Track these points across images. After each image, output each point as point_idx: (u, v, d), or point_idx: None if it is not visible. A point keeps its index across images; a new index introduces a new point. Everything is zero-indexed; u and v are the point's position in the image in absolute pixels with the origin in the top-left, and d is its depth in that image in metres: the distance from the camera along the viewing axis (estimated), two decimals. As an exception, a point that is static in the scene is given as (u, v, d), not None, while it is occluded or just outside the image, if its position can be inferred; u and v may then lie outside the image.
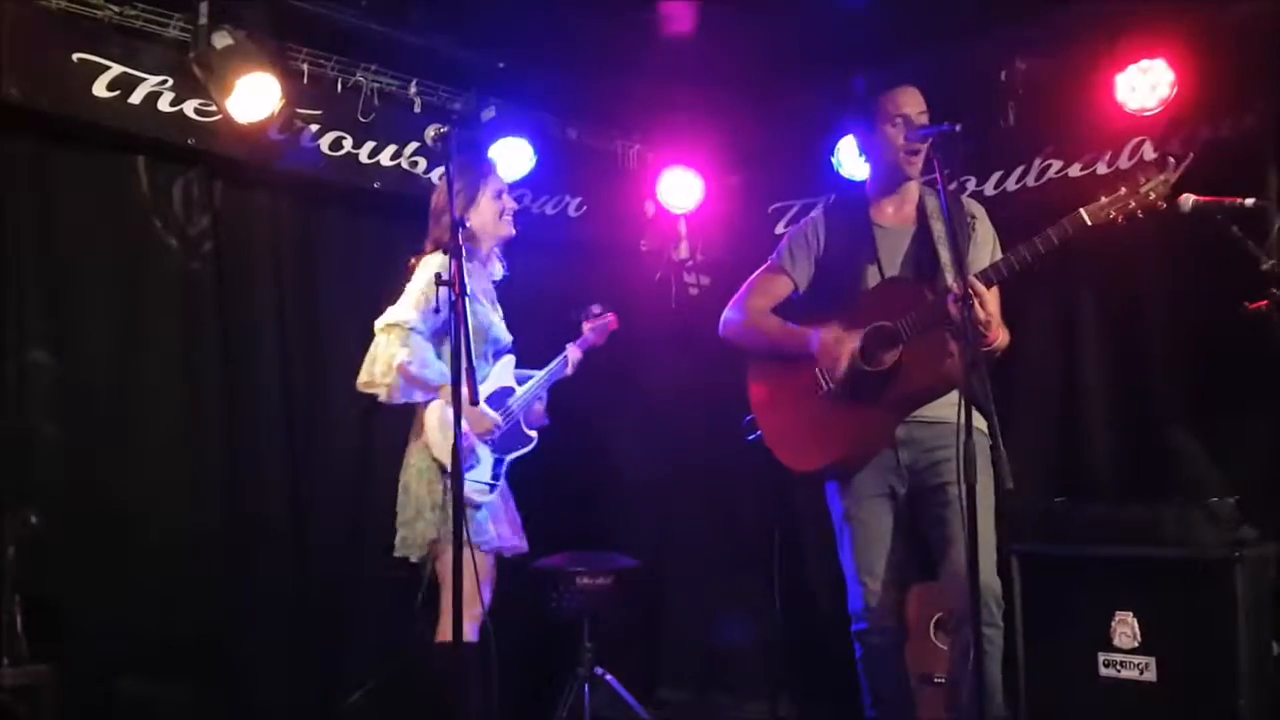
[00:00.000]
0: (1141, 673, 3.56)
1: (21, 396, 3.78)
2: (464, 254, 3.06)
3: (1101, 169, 4.22)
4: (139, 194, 4.11)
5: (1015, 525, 3.54)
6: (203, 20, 3.95)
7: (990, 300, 3.04)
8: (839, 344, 3.20)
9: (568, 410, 5.01)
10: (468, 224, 3.45)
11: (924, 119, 3.22)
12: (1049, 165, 4.36)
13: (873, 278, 3.29)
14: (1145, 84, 4.04)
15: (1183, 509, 3.60)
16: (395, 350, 3.34)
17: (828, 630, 4.00)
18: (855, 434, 3.24)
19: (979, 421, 2.91)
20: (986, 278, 3.03)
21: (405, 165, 4.56)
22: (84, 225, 3.99)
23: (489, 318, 3.57)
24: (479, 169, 3.64)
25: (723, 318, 3.51)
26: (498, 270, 3.72)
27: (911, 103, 3.23)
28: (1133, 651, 3.58)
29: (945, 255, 3.19)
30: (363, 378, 3.42)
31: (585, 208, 5.20)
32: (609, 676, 4.44)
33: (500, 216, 3.62)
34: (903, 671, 3.44)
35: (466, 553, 3.16)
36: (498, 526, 3.54)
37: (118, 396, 4.00)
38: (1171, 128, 4.06)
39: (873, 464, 3.26)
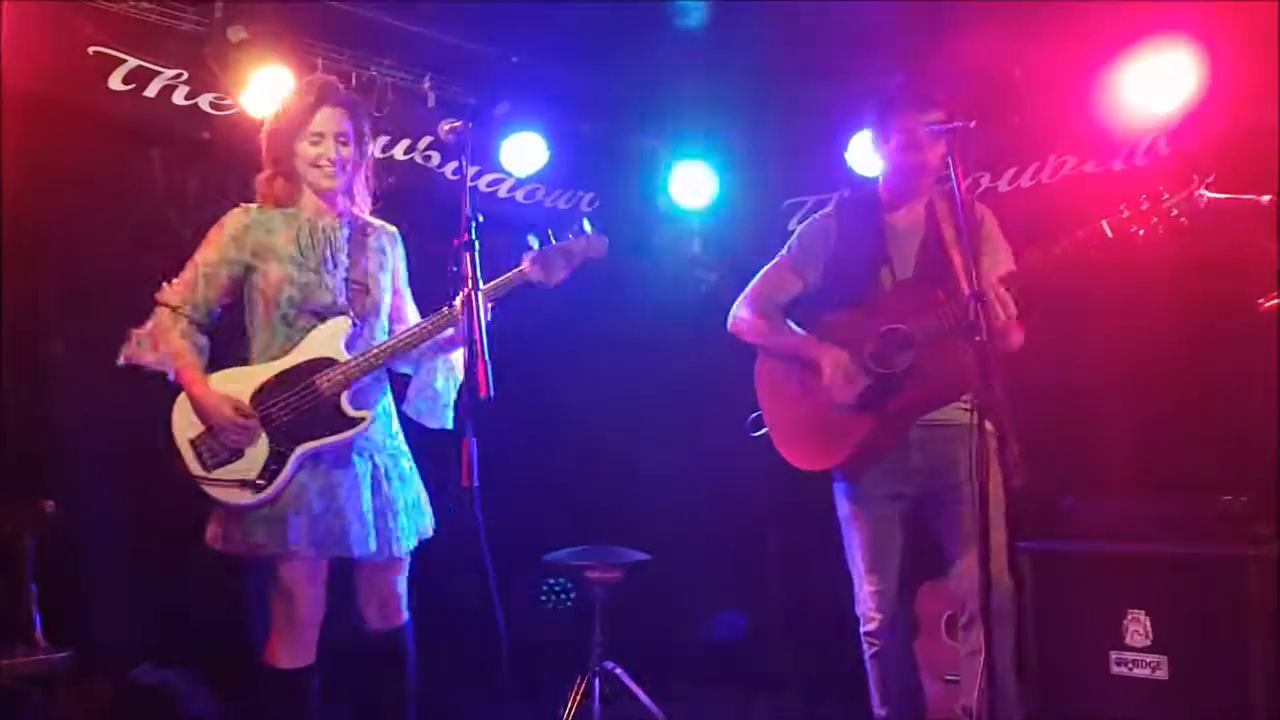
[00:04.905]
0: (1153, 671, 3.56)
1: (38, 388, 3.80)
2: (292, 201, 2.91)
3: (1117, 165, 4.21)
4: (154, 187, 4.13)
5: (1027, 523, 3.54)
6: (218, 14, 3.98)
7: (1010, 304, 3.04)
8: (846, 375, 3.19)
9: (577, 404, 5.04)
10: (289, 165, 3.03)
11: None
12: (1064, 162, 4.35)
13: (885, 278, 3.29)
14: (1161, 80, 4.03)
15: (1195, 507, 3.59)
16: (142, 329, 3.02)
17: (837, 626, 3.99)
18: (863, 437, 3.24)
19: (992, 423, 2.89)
20: (1006, 283, 3.02)
21: (419, 160, 4.57)
22: (98, 218, 4.00)
23: (284, 274, 2.99)
24: (303, 98, 3.04)
25: (732, 313, 3.52)
26: (329, 221, 3.09)
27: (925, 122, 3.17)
28: (1145, 649, 3.58)
29: (958, 258, 3.18)
30: None
31: (598, 202, 5.21)
32: (619, 670, 4.45)
33: (314, 165, 3.02)
34: (911, 671, 3.44)
35: (283, 567, 2.86)
36: (316, 533, 2.93)
37: (132, 387, 4.00)
38: (1187, 124, 4.05)
39: (882, 465, 3.25)
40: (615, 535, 4.75)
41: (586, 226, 3.14)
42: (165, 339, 2.97)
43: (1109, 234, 2.92)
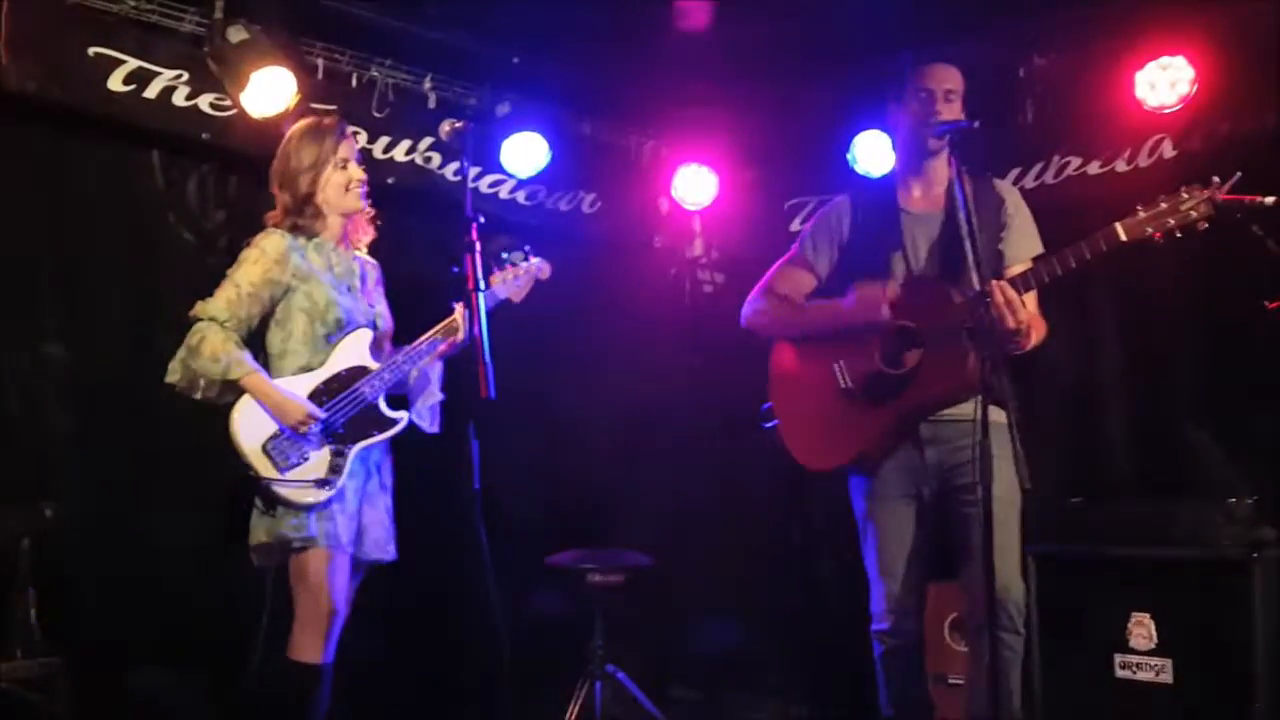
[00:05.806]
0: (1158, 674, 3.54)
1: (35, 390, 3.79)
2: (312, 229, 3.14)
3: (1121, 167, 4.19)
4: (154, 188, 4.12)
5: (1032, 525, 3.52)
6: (218, 14, 3.97)
7: (1029, 301, 3.02)
8: (873, 294, 3.17)
9: (578, 405, 5.02)
10: (315, 199, 3.19)
11: (954, 98, 3.19)
12: (1067, 162, 4.33)
13: (898, 266, 3.25)
14: (1165, 81, 4.01)
15: (1200, 509, 3.57)
16: (190, 341, 3.08)
17: (841, 629, 3.98)
18: (869, 436, 3.22)
19: (1004, 417, 2.85)
20: (1016, 286, 2.99)
21: (419, 161, 4.56)
22: (99, 219, 3.99)
23: (330, 296, 3.16)
24: (321, 136, 3.22)
25: (746, 308, 3.47)
26: (360, 245, 3.36)
27: (940, 78, 3.19)
28: (1149, 653, 3.56)
29: (971, 254, 3.15)
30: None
31: (600, 204, 5.19)
32: (621, 674, 4.43)
33: (346, 189, 3.22)
34: (922, 672, 3.42)
35: (315, 560, 2.99)
36: (350, 531, 3.13)
37: (132, 390, 4.00)
38: (1191, 125, 4.03)
39: (898, 463, 3.23)
40: (617, 538, 4.74)
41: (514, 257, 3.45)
42: (224, 349, 3.05)
43: (1123, 238, 2.87)
